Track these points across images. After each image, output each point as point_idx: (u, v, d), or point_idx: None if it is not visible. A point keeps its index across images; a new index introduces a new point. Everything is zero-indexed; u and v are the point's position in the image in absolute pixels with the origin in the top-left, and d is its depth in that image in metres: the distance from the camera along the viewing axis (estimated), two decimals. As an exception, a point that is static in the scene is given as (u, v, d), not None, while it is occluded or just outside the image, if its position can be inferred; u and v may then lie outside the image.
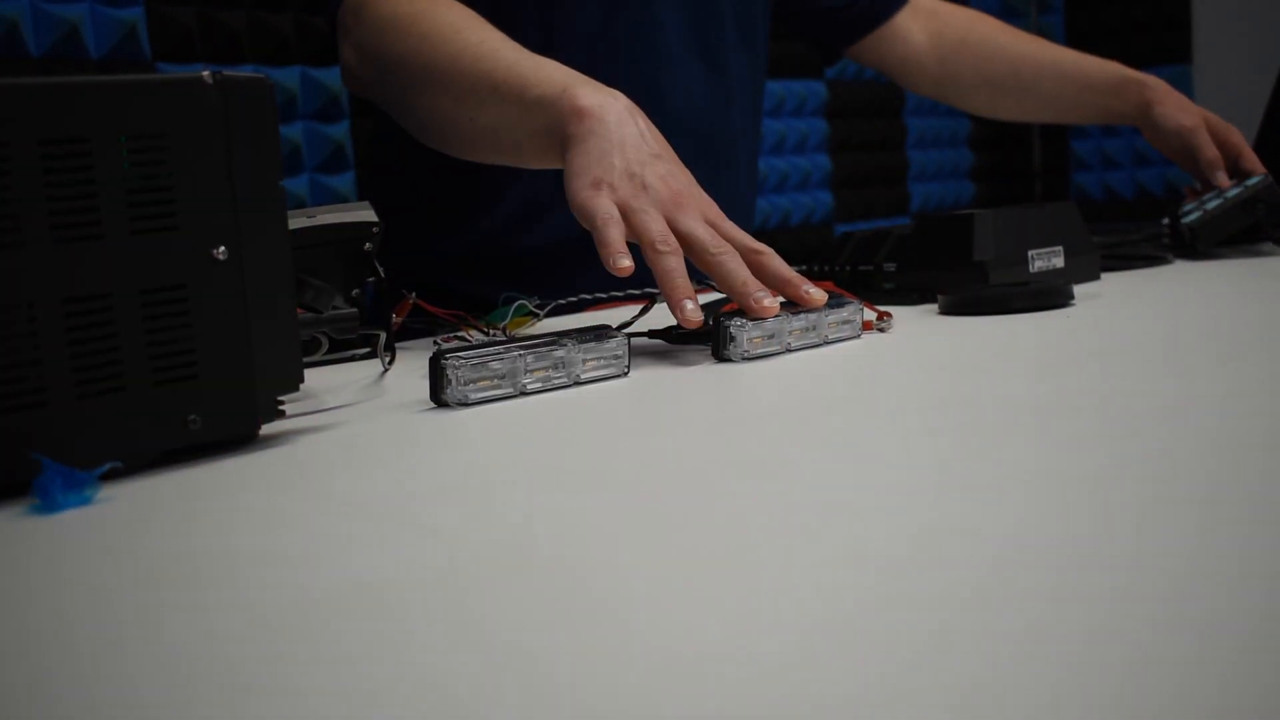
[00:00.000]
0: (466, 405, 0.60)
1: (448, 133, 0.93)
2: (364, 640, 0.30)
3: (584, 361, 0.64)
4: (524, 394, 0.62)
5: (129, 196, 0.48)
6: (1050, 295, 0.83)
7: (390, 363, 0.74)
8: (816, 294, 0.72)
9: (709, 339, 0.70)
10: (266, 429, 0.55)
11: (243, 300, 0.51)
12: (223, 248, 0.50)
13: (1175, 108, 1.22)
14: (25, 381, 0.46)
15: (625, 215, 0.73)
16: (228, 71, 0.51)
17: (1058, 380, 0.59)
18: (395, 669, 0.27)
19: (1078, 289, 0.88)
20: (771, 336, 0.70)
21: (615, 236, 0.71)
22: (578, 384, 0.64)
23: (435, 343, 0.78)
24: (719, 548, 0.36)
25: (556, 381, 0.63)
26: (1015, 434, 0.48)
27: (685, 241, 0.73)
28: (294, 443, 0.54)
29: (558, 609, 0.31)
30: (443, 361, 0.59)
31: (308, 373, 0.57)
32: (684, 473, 0.45)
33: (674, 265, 0.70)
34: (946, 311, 0.85)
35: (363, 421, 0.59)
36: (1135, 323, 0.78)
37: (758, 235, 0.78)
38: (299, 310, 0.58)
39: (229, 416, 0.52)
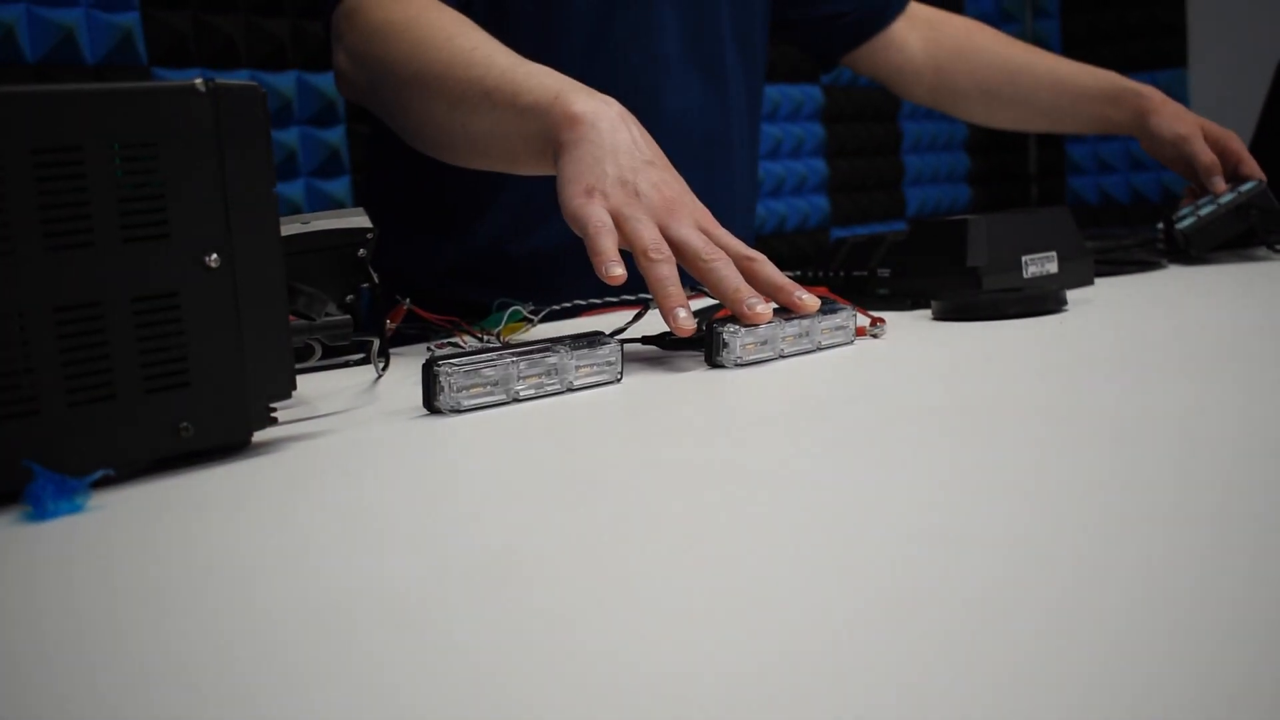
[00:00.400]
0: (459, 412, 0.60)
1: (441, 139, 0.93)
2: (339, 653, 0.30)
3: (577, 368, 0.64)
4: (517, 400, 0.62)
5: (121, 204, 0.48)
6: (1043, 301, 0.83)
7: (384, 369, 0.74)
8: (809, 300, 0.72)
9: (702, 345, 0.70)
10: (258, 436, 0.55)
11: (235, 308, 0.51)
12: (215, 255, 0.50)
13: (1171, 117, 1.23)
14: (17, 389, 0.46)
15: (618, 222, 0.73)
16: (223, 78, 0.51)
17: (1049, 386, 0.59)
18: (368, 681, 0.28)
19: (1071, 294, 0.88)
20: (764, 343, 0.70)
21: (608, 245, 0.71)
22: (571, 390, 0.64)
23: (429, 349, 0.78)
24: (712, 555, 0.36)
25: (549, 388, 0.63)
26: (1007, 440, 0.48)
27: (678, 248, 0.73)
28: (286, 450, 0.54)
29: (541, 619, 0.31)
30: (435, 368, 0.59)
31: (301, 379, 0.57)
32: (676, 479, 0.46)
33: (666, 273, 0.70)
34: (940, 317, 0.85)
35: (355, 429, 0.59)
36: (1128, 328, 0.78)
37: (754, 240, 0.78)
38: (291, 317, 0.58)
39: (221, 424, 0.52)
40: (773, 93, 2.49)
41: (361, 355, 0.79)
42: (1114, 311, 0.85)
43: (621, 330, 0.71)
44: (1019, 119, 1.38)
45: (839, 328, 0.74)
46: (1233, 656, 0.25)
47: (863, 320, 0.78)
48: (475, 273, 1.16)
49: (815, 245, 2.59)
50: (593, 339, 0.65)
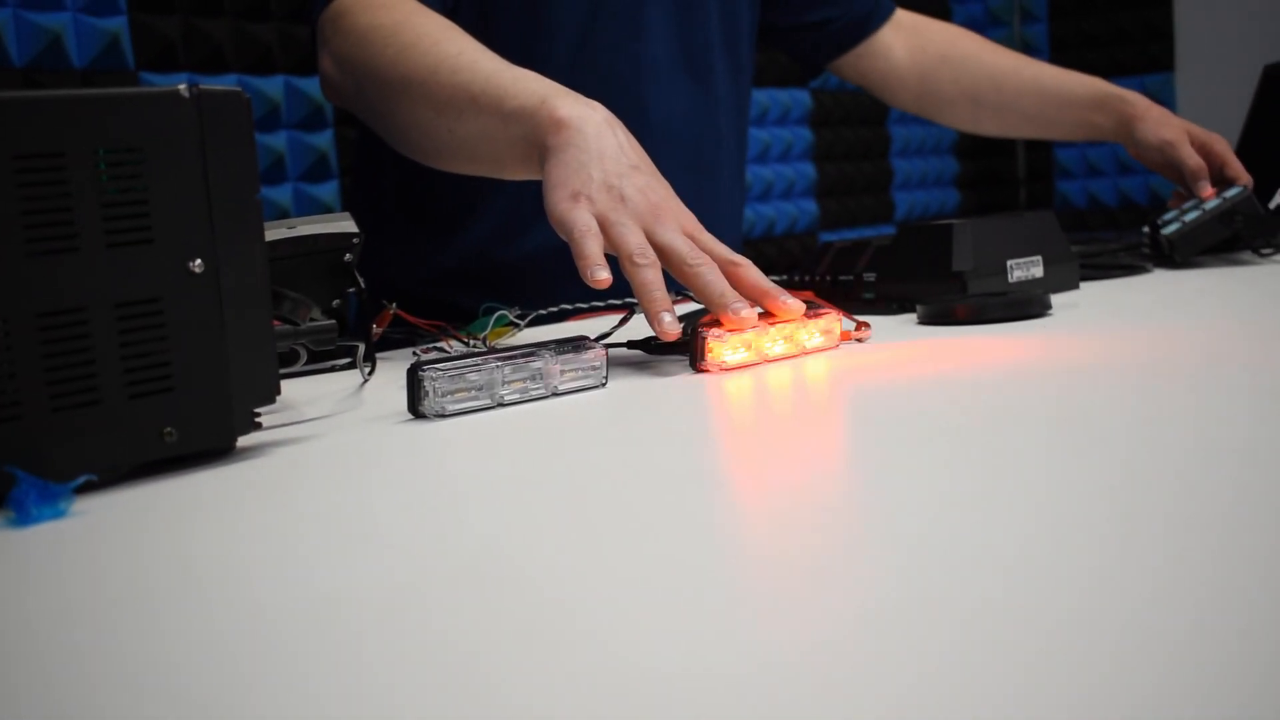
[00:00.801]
0: (444, 417, 0.60)
1: (427, 144, 0.93)
2: (325, 656, 0.30)
3: (562, 372, 0.65)
4: (502, 405, 0.62)
5: (105, 210, 0.48)
6: (1027, 305, 0.84)
7: (370, 374, 0.74)
8: (794, 305, 0.72)
9: (687, 350, 0.70)
10: (243, 441, 0.55)
11: (219, 313, 0.51)
12: (199, 261, 0.50)
13: (1156, 122, 1.23)
14: (0, 395, 0.46)
15: (603, 227, 0.73)
16: (211, 82, 0.51)
17: (1034, 390, 0.59)
18: (349, 685, 0.28)
19: (1056, 298, 0.89)
20: (749, 347, 0.70)
21: (593, 249, 0.71)
22: (556, 395, 0.64)
23: (415, 353, 0.78)
24: (695, 560, 0.36)
25: (534, 393, 0.63)
26: (991, 443, 0.48)
27: (663, 253, 0.73)
28: (270, 455, 0.54)
29: (523, 624, 0.31)
30: (420, 373, 0.60)
31: (286, 384, 0.57)
32: (661, 484, 0.46)
33: (651, 278, 0.71)
34: (925, 321, 0.85)
35: (340, 433, 0.59)
36: (1111, 332, 0.78)
37: (741, 245, 0.78)
38: (276, 322, 0.58)
39: (205, 429, 0.52)
40: (761, 97, 2.49)
41: (347, 360, 0.79)
42: (1098, 315, 0.85)
43: (607, 335, 0.71)
44: (1004, 126, 1.39)
45: (824, 332, 0.75)
46: (1233, 660, 0.26)
47: (848, 325, 0.78)
48: (462, 277, 1.16)
49: (804, 249, 2.60)
50: (578, 344, 0.65)
